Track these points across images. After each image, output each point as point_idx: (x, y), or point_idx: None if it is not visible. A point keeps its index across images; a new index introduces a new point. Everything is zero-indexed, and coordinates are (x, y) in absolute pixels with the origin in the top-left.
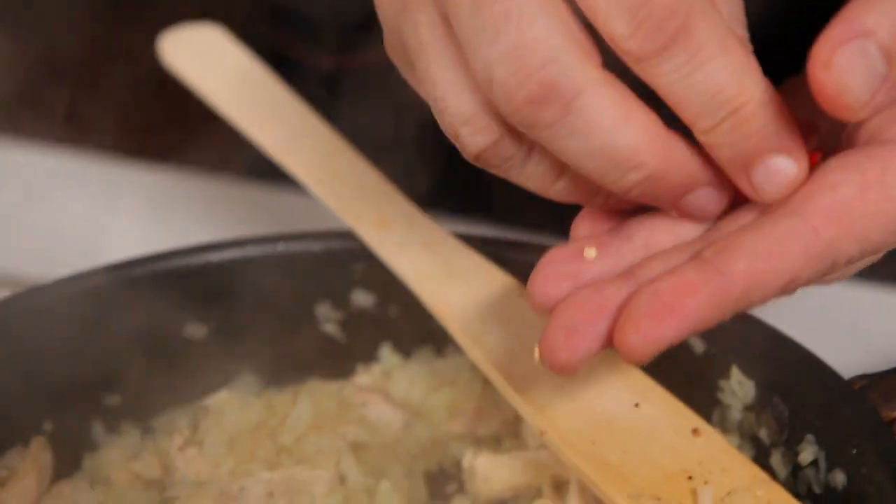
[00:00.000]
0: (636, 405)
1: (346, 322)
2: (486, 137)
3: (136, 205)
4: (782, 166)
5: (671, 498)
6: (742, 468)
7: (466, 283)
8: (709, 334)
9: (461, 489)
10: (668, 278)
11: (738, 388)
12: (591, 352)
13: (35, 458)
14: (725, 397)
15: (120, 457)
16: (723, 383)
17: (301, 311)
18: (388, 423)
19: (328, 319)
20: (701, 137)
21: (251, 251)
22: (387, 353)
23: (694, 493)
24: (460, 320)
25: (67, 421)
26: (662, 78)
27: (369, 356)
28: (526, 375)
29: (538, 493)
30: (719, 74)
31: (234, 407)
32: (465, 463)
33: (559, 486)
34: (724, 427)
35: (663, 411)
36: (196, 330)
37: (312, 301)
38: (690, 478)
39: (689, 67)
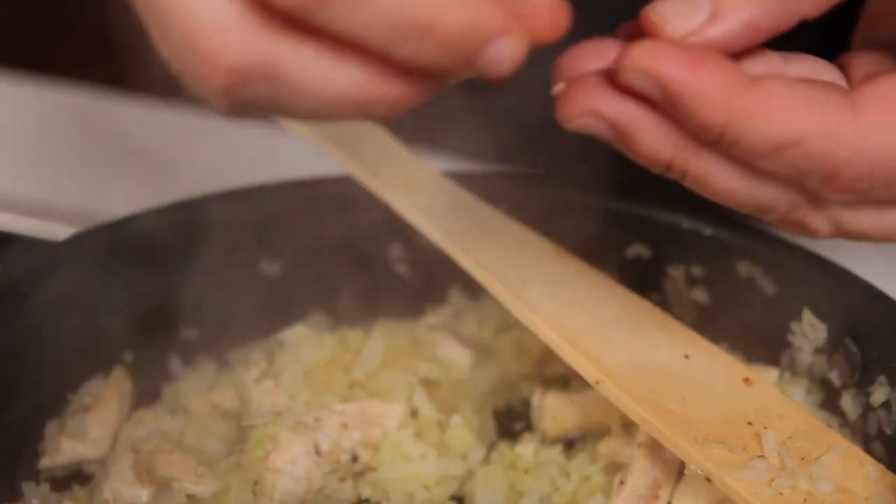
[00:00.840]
0: (686, 357)
1: (417, 263)
2: (254, 47)
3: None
4: (502, 50)
5: (735, 442)
6: (798, 414)
7: (497, 241)
8: (780, 277)
9: (529, 427)
10: None
11: (810, 330)
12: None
13: (116, 387)
14: (796, 340)
15: (197, 388)
16: (794, 326)
17: (372, 252)
18: (458, 362)
19: (399, 260)
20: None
21: (325, 191)
22: (456, 295)
23: (757, 437)
24: (497, 277)
25: (146, 353)
26: (335, 24)
27: (439, 297)
28: (575, 328)
29: (606, 432)
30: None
31: (308, 342)
32: (534, 401)
33: (628, 426)
34: (793, 370)
35: (713, 362)
36: (271, 267)
37: (384, 242)
38: (750, 423)
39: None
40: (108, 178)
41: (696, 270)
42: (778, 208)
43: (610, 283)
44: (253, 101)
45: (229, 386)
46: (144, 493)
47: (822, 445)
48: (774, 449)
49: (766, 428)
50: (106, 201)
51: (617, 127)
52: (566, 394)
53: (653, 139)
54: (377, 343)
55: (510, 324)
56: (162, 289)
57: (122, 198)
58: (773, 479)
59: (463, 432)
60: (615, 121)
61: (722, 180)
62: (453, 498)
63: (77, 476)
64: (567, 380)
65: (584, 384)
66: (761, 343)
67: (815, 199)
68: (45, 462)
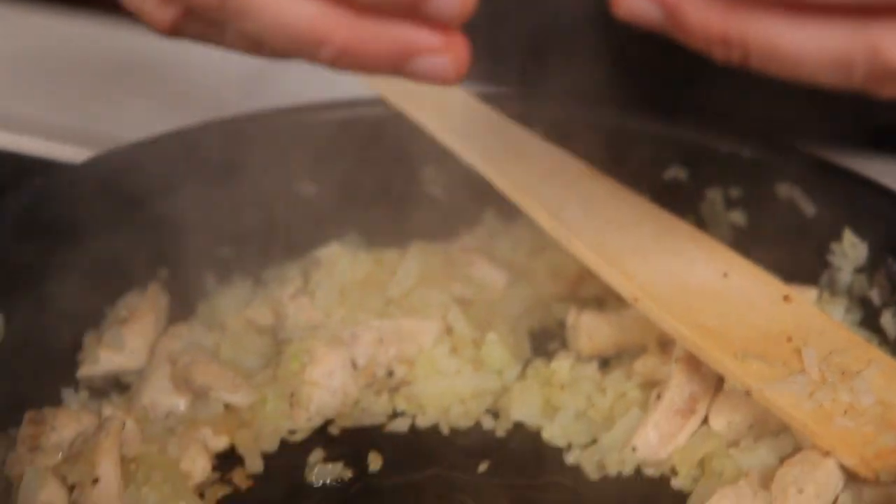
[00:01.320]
0: (725, 275)
1: (450, 186)
2: (170, 11)
3: None
4: (429, 65)
5: (775, 358)
6: (838, 332)
7: (532, 163)
8: (820, 197)
9: (564, 347)
10: None
11: (851, 249)
12: None
13: (152, 301)
14: (836, 260)
15: (233, 304)
16: (834, 246)
17: (407, 174)
18: (493, 282)
19: (433, 182)
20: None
21: (360, 113)
22: (490, 217)
23: (797, 352)
24: (533, 198)
25: (181, 270)
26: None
27: (473, 219)
28: (612, 247)
29: (642, 351)
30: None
31: (343, 260)
32: (570, 320)
33: (664, 345)
34: (832, 290)
35: (752, 280)
36: (307, 187)
37: (418, 164)
38: (790, 339)
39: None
40: (133, 102)
41: (734, 192)
42: (856, 55)
43: (646, 203)
44: (201, 15)
45: (265, 303)
46: (182, 402)
47: (863, 361)
48: (815, 364)
49: (806, 344)
50: (129, 125)
51: (665, 4)
52: (602, 313)
53: (701, 8)
54: (412, 262)
55: (544, 246)
56: (195, 208)
57: (145, 121)
58: (813, 392)
59: (498, 349)
60: None
61: (787, 37)
62: (488, 412)
63: (115, 386)
64: (602, 301)
65: (619, 304)
66: (800, 264)
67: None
68: (84, 371)
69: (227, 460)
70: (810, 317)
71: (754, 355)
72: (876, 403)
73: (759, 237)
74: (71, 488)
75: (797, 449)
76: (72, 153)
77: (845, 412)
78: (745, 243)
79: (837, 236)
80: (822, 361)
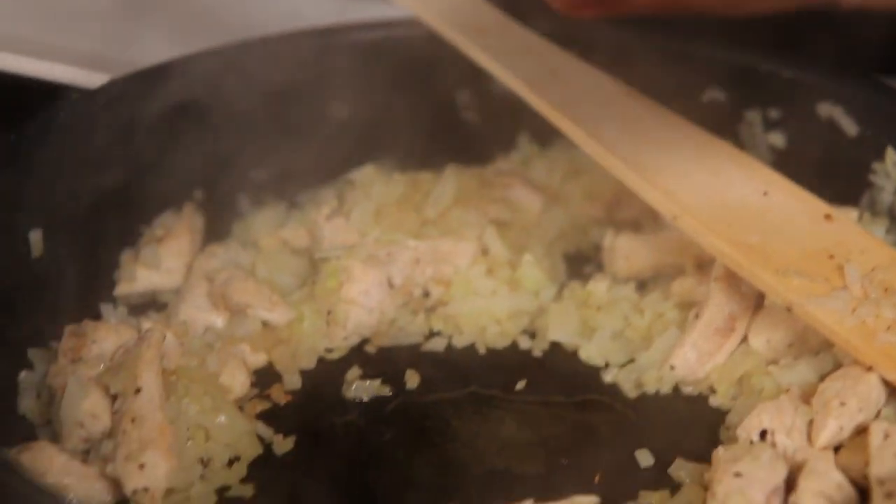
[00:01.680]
0: (765, 193)
1: (485, 110)
2: None
3: None
4: None
5: (816, 274)
6: (880, 249)
7: (570, 83)
8: (863, 116)
9: (600, 269)
10: None
11: (893, 169)
12: None
13: (188, 221)
14: (878, 179)
15: (267, 225)
16: (876, 166)
17: (442, 98)
18: (528, 205)
19: (468, 107)
20: None
21: (394, 34)
22: (525, 142)
23: (839, 269)
24: (571, 118)
25: (216, 192)
26: None
27: (507, 144)
28: (651, 166)
29: (680, 272)
30: None
31: (378, 181)
32: (606, 243)
33: (701, 266)
34: (873, 210)
35: (792, 199)
36: (340, 109)
37: (453, 88)
38: (832, 257)
39: None
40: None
41: (774, 113)
42: None
43: (685, 122)
44: None
45: (300, 224)
46: (219, 320)
47: None
48: (857, 280)
49: (848, 261)
50: (151, 49)
51: None
52: (639, 235)
53: None
54: (448, 183)
55: (580, 169)
56: (228, 130)
57: (167, 44)
58: (856, 308)
59: (534, 270)
60: None
61: None
62: (525, 332)
63: (152, 304)
64: (639, 224)
65: (656, 226)
66: (840, 185)
67: None
68: (122, 289)
69: (265, 377)
70: (852, 234)
71: (795, 272)
72: None
73: (799, 159)
74: (113, 398)
75: (837, 367)
76: (99, 79)
77: (888, 328)
78: (783, 165)
79: (880, 156)
80: (864, 278)
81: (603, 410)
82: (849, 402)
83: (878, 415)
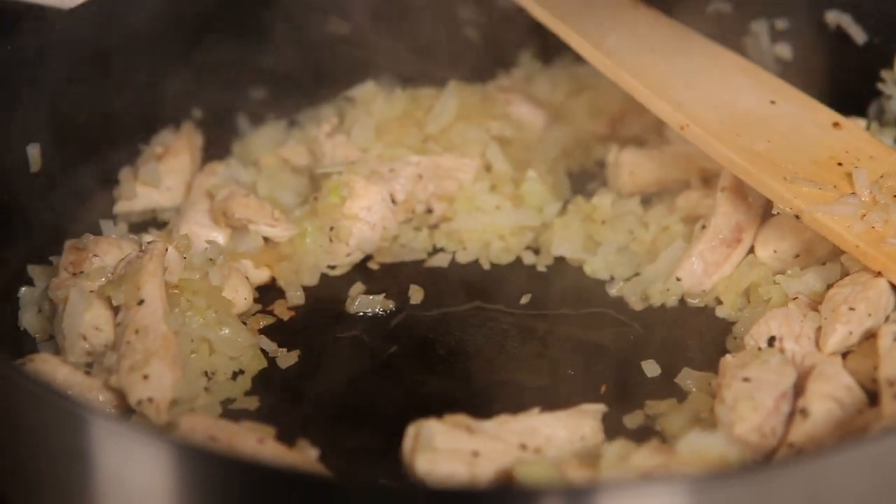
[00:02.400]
0: (772, 102)
1: (487, 27)
2: None
3: None
4: None
5: (825, 181)
6: (889, 156)
7: None
8: (872, 23)
9: (604, 186)
10: None
11: None
12: None
13: (187, 139)
14: (886, 87)
15: (267, 143)
16: (884, 73)
17: (442, 14)
18: (531, 121)
19: (469, 23)
20: None
21: None
22: (527, 59)
23: (847, 176)
24: (575, 29)
25: (215, 111)
26: None
27: (509, 61)
28: (657, 76)
29: (685, 187)
30: None
31: (380, 97)
32: (610, 158)
33: (707, 180)
34: (881, 119)
35: (800, 107)
36: (339, 26)
37: (454, 4)
38: (840, 164)
39: None
40: None
41: (780, 24)
42: None
43: (691, 32)
44: None
45: (300, 142)
46: (221, 236)
47: None
48: (867, 186)
49: (856, 168)
50: None
51: None
52: (643, 150)
53: None
54: (450, 99)
55: (584, 86)
56: (226, 47)
57: None
58: (865, 214)
59: (538, 186)
60: None
61: None
62: (529, 248)
63: (152, 222)
64: (643, 140)
65: (661, 141)
66: (848, 94)
67: None
68: (121, 207)
69: (268, 293)
70: (861, 142)
71: (804, 179)
72: None
73: (807, 69)
74: (116, 310)
75: (845, 276)
76: None
77: None
78: (791, 77)
79: (888, 63)
80: (873, 184)
81: (608, 324)
82: (858, 308)
83: (886, 320)
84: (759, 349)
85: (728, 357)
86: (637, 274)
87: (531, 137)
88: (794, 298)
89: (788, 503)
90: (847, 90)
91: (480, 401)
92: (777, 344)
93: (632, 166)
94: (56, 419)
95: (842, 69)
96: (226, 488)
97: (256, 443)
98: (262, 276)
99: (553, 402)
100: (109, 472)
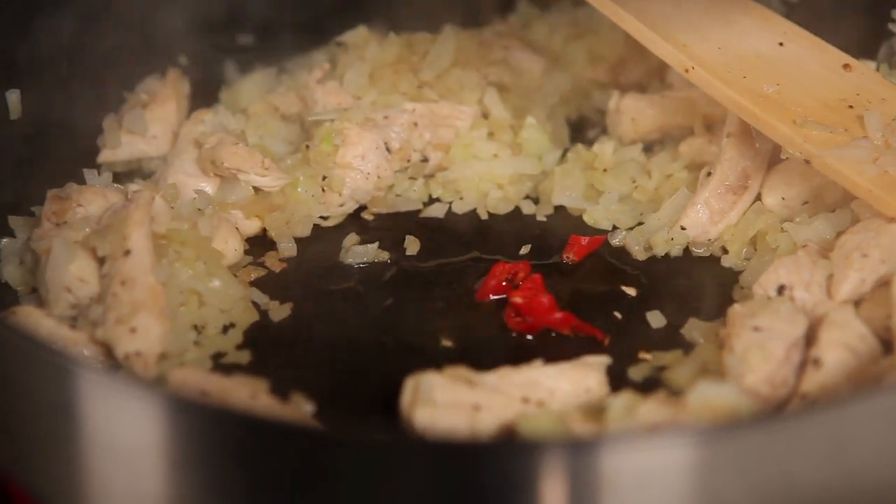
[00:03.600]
0: (780, 44)
1: None
2: None
3: None
4: None
5: (835, 124)
6: None
7: None
8: None
9: (604, 133)
10: None
11: None
12: None
13: (173, 86)
14: None
15: (256, 90)
16: (895, 14)
17: None
18: (529, 68)
19: None
20: None
21: None
22: (524, 4)
23: (858, 119)
24: None
25: (201, 57)
26: None
27: (505, 6)
28: (661, 18)
29: (688, 133)
30: None
31: (373, 42)
32: (611, 105)
33: (711, 126)
34: (891, 62)
35: (809, 49)
36: None
37: None
38: (851, 107)
39: None
40: None
41: None
42: None
43: None
44: None
45: (290, 89)
46: (209, 185)
47: None
48: (878, 129)
49: (867, 111)
50: None
51: None
52: (645, 95)
53: None
54: (446, 43)
55: (583, 31)
56: None
57: None
58: (877, 158)
59: (537, 133)
60: None
61: None
62: (528, 198)
63: (138, 172)
64: (644, 86)
65: (663, 87)
66: (857, 36)
67: None
68: (106, 156)
69: (259, 245)
70: (871, 83)
71: (814, 122)
72: None
73: (814, 12)
74: (101, 261)
75: (855, 223)
76: None
77: None
78: (797, 17)
79: None
80: (885, 127)
81: (611, 274)
82: (871, 254)
83: None
84: (769, 298)
85: (736, 306)
86: (640, 223)
87: (529, 84)
88: (804, 246)
89: (803, 455)
90: (856, 32)
91: (481, 353)
92: (787, 292)
93: (633, 113)
94: (41, 373)
95: (850, 10)
96: (218, 443)
97: (249, 397)
98: (252, 226)
99: (556, 352)
100: (97, 427)
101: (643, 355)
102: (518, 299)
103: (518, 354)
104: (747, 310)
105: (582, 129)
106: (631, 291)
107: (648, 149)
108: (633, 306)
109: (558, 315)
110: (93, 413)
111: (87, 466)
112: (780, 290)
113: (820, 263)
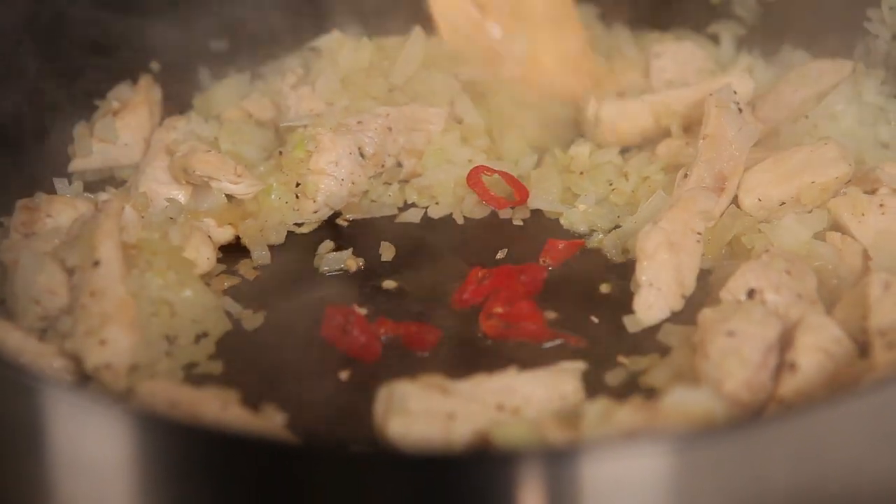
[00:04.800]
0: None
1: None
2: None
3: None
4: None
5: None
6: None
7: None
8: None
9: (582, 137)
10: None
11: (889, 14)
12: None
13: (144, 93)
14: (873, 27)
15: (229, 96)
16: (871, 12)
17: None
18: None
19: None
20: None
21: None
22: None
23: None
24: None
25: (173, 64)
26: None
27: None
28: None
29: (665, 136)
30: None
31: (346, 47)
32: (590, 113)
33: (688, 128)
34: (867, 60)
35: None
36: None
37: None
38: None
39: None
40: None
41: None
42: None
43: None
44: None
45: (263, 95)
46: (181, 193)
47: None
48: None
49: None
50: None
51: None
52: (623, 101)
53: None
54: (415, 45)
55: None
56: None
57: None
58: None
59: (512, 137)
60: None
61: None
62: None
63: (110, 181)
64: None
65: (640, 91)
66: (834, 35)
67: None
68: (77, 164)
69: (232, 253)
70: None
71: None
72: None
73: (792, 9)
74: (70, 272)
75: (832, 225)
76: None
77: None
78: (775, 17)
79: (875, 1)
80: None
81: (587, 277)
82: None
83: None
84: (738, 302)
85: (707, 311)
86: (617, 226)
87: (504, 85)
88: (767, 251)
89: (780, 460)
90: (833, 30)
91: (455, 360)
92: (757, 296)
93: (613, 120)
94: (5, 390)
95: (828, 8)
96: (187, 458)
97: (219, 409)
98: (225, 234)
99: (531, 360)
100: (63, 443)
101: (621, 360)
102: (499, 310)
103: (493, 361)
104: (719, 314)
105: (560, 132)
106: (608, 294)
107: (625, 150)
108: (610, 310)
109: (535, 327)
110: (57, 430)
111: (52, 483)
112: (751, 293)
113: (797, 265)
